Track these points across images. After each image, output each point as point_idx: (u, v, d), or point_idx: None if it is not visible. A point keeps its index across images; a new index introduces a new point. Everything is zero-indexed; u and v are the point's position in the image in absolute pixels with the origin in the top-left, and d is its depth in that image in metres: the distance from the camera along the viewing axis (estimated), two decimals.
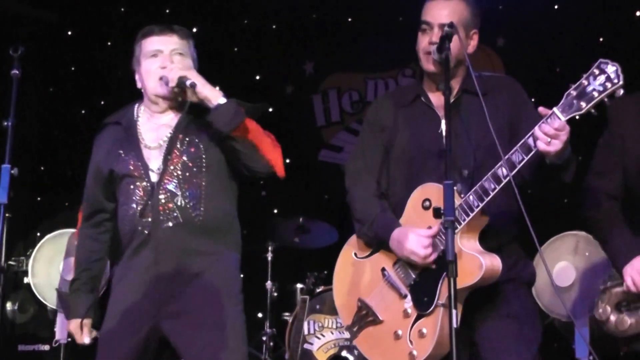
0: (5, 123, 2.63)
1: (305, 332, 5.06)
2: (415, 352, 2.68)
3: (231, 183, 2.95)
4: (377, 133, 2.91)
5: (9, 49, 2.73)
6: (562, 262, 4.16)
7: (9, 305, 5.08)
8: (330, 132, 6.89)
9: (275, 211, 6.50)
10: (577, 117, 2.46)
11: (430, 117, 2.81)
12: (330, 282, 5.12)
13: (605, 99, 2.39)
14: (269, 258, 5.39)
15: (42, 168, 6.67)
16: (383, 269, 2.83)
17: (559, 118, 2.44)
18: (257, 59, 6.84)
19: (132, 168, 2.85)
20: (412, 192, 2.78)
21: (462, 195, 2.64)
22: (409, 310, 2.73)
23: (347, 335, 4.98)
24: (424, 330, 2.67)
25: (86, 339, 2.95)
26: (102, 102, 6.89)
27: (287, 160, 6.71)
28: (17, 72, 2.72)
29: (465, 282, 2.57)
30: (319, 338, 5.09)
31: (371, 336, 2.83)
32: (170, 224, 2.79)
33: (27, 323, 5.08)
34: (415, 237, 2.68)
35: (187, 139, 2.86)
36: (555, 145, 2.44)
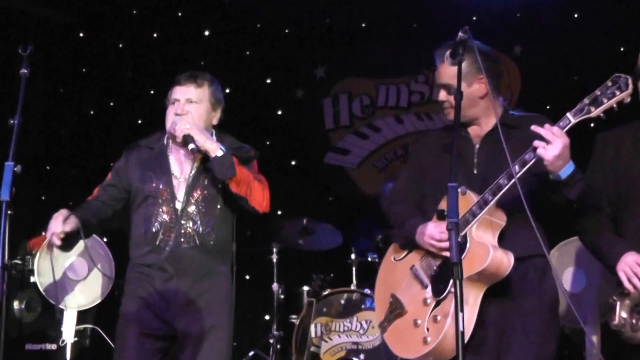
0: (11, 121, 2.67)
1: (312, 335, 5.06)
2: (429, 338, 2.87)
3: (233, 211, 3.37)
4: (418, 165, 3.22)
5: (19, 48, 2.78)
6: (573, 268, 4.10)
7: (16, 304, 5.07)
8: (338, 135, 6.90)
9: (279, 212, 6.42)
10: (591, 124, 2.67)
11: (466, 145, 3.05)
12: (336, 285, 5.17)
13: (614, 105, 2.63)
14: (274, 260, 5.37)
15: (47, 167, 6.68)
16: (412, 266, 3.08)
17: (570, 120, 2.69)
18: (269, 63, 6.84)
19: (160, 192, 3.27)
20: None
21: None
22: (429, 300, 2.94)
23: (354, 338, 5.03)
24: (438, 317, 2.87)
25: (61, 226, 3.11)
26: (112, 104, 6.90)
27: (293, 162, 6.77)
28: (25, 71, 2.78)
29: (474, 269, 2.78)
30: (326, 341, 5.10)
31: (397, 328, 3.05)
32: (189, 245, 3.24)
33: (34, 322, 5.09)
34: (434, 224, 2.96)
35: (208, 176, 3.29)
36: (551, 152, 2.66)
